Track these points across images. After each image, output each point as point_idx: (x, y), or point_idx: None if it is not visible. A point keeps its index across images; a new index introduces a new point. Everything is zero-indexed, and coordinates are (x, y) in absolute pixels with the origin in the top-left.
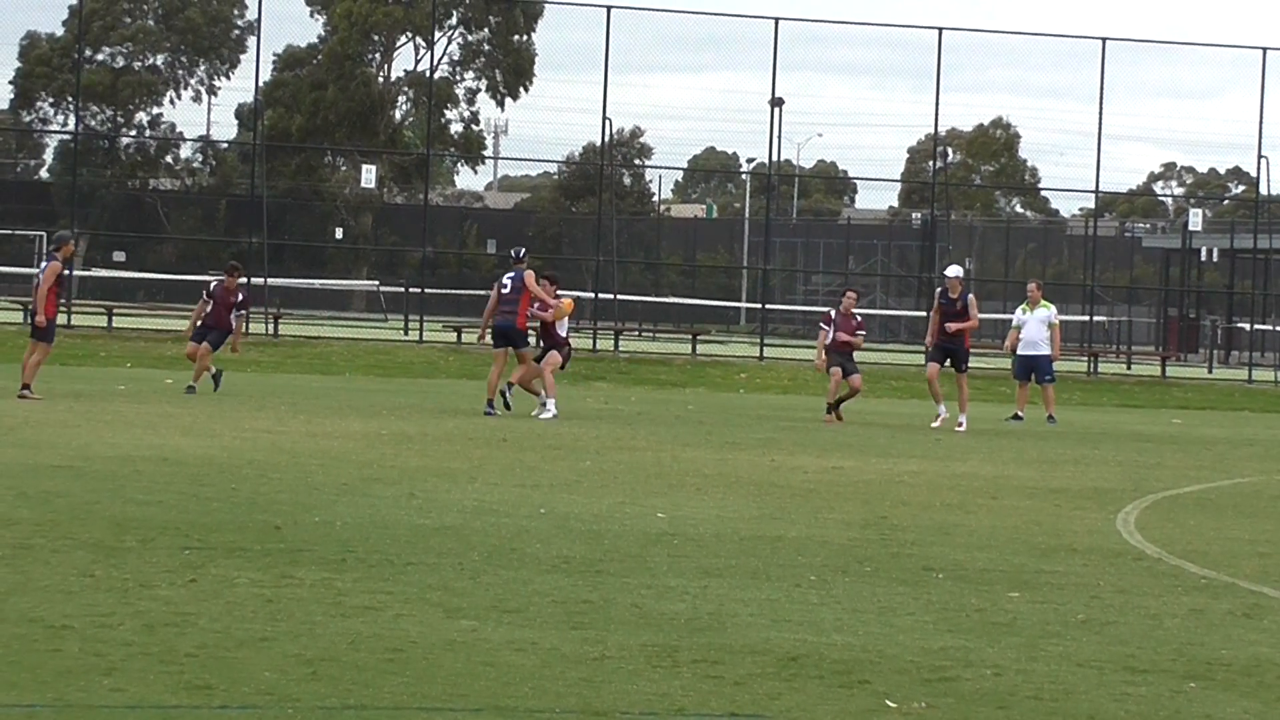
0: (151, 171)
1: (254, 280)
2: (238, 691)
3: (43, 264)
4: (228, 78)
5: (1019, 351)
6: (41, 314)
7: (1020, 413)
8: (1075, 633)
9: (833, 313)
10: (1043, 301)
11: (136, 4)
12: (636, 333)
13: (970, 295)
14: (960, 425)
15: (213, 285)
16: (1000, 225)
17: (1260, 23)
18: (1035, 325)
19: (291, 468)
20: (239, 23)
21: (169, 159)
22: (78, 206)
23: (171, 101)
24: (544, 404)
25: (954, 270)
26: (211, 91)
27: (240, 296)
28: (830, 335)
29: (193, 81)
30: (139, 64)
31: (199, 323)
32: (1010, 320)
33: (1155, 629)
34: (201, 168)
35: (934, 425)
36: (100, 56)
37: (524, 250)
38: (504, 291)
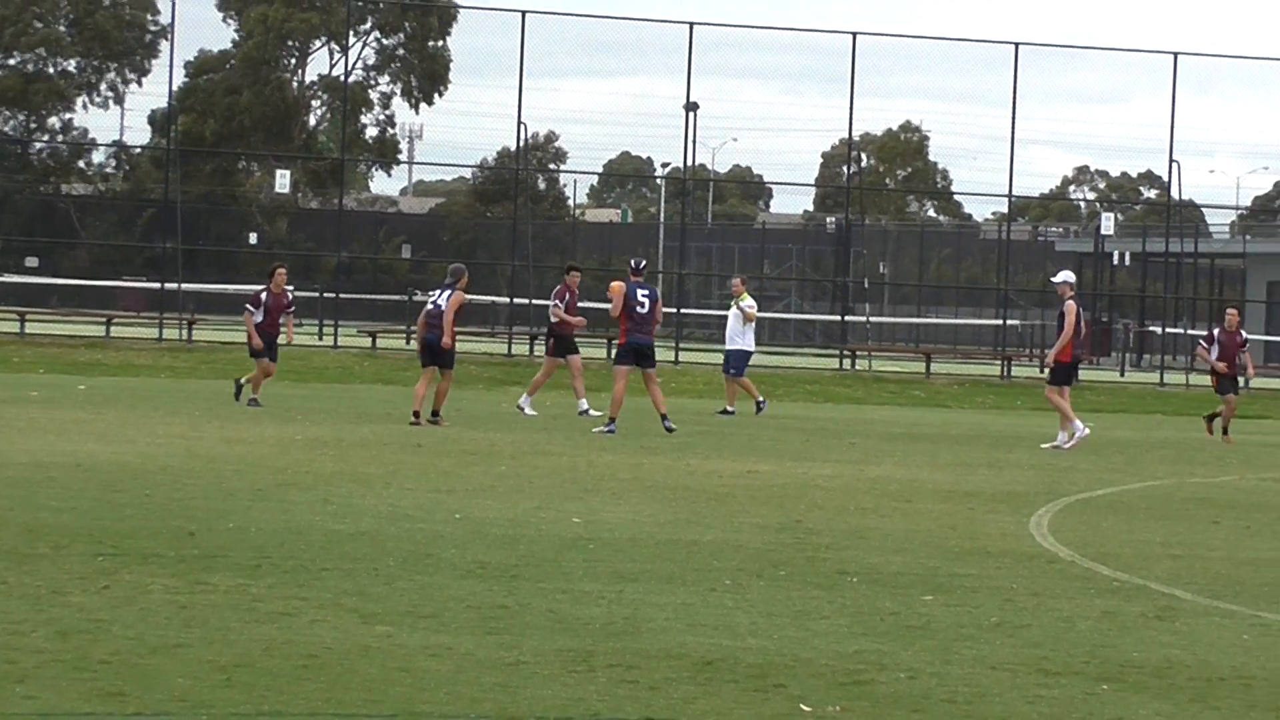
0: (64, 177)
1: (168, 285)
2: (151, 699)
3: None
4: (140, 84)
5: (727, 346)
6: None
7: (730, 407)
8: (989, 635)
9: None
10: (744, 294)
11: (47, 9)
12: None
13: (1068, 302)
14: (1058, 442)
15: (262, 295)
16: (914, 229)
17: (1170, 28)
18: (733, 319)
19: (206, 473)
20: (151, 28)
21: (82, 164)
22: None
23: (84, 106)
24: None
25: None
26: (119, 100)
27: (289, 297)
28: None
29: (104, 87)
30: (51, 69)
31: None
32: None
33: (1068, 631)
34: (115, 173)
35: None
36: (11, 61)
37: (644, 263)
38: (641, 310)
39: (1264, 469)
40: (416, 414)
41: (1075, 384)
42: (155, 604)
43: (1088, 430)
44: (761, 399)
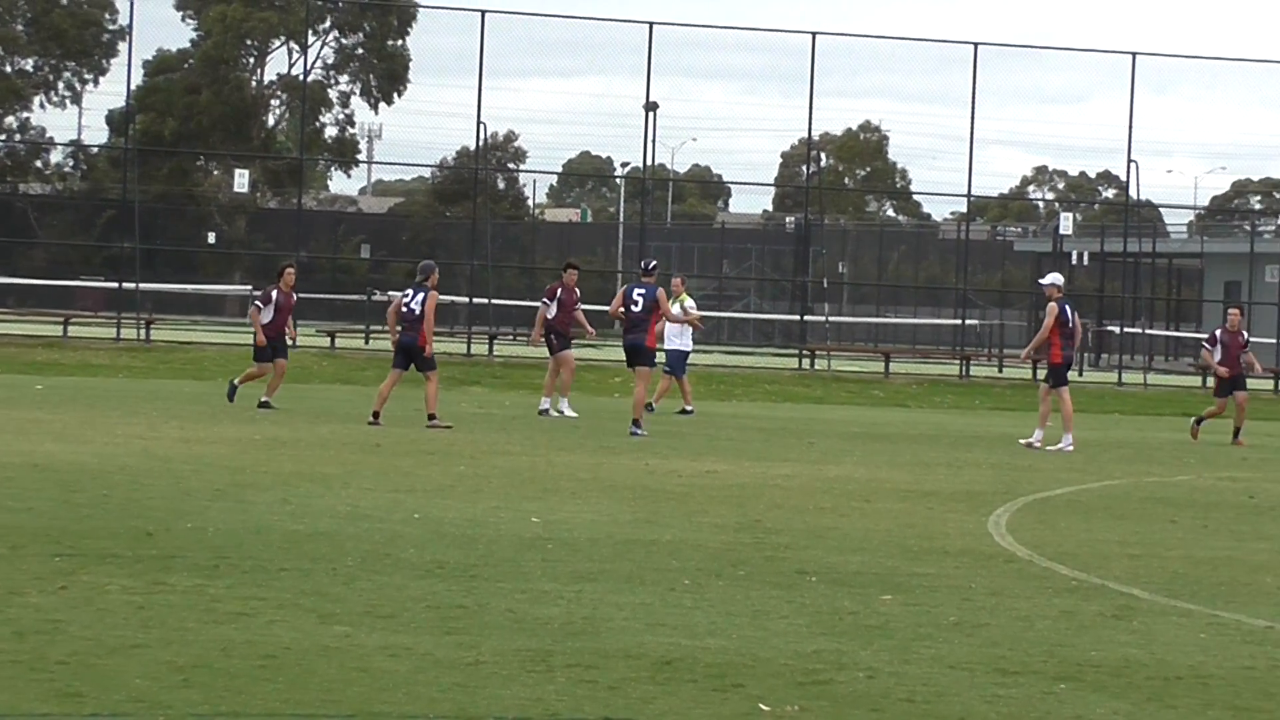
0: (21, 176)
1: (125, 285)
2: (109, 699)
3: None
4: (97, 83)
5: (665, 346)
6: None
7: (689, 406)
8: (947, 635)
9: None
10: (684, 294)
11: (4, 8)
12: (511, 337)
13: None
14: (1045, 444)
15: (273, 293)
16: (873, 229)
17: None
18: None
19: (164, 474)
20: (109, 27)
21: (39, 164)
22: None
23: (42, 106)
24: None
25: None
26: (77, 100)
27: (294, 297)
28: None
29: (61, 86)
30: (8, 68)
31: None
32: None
33: (1026, 631)
34: (73, 172)
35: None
36: None
37: (654, 263)
38: (634, 310)
39: (1221, 468)
40: (376, 414)
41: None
42: (113, 604)
43: (1072, 447)
44: (690, 407)
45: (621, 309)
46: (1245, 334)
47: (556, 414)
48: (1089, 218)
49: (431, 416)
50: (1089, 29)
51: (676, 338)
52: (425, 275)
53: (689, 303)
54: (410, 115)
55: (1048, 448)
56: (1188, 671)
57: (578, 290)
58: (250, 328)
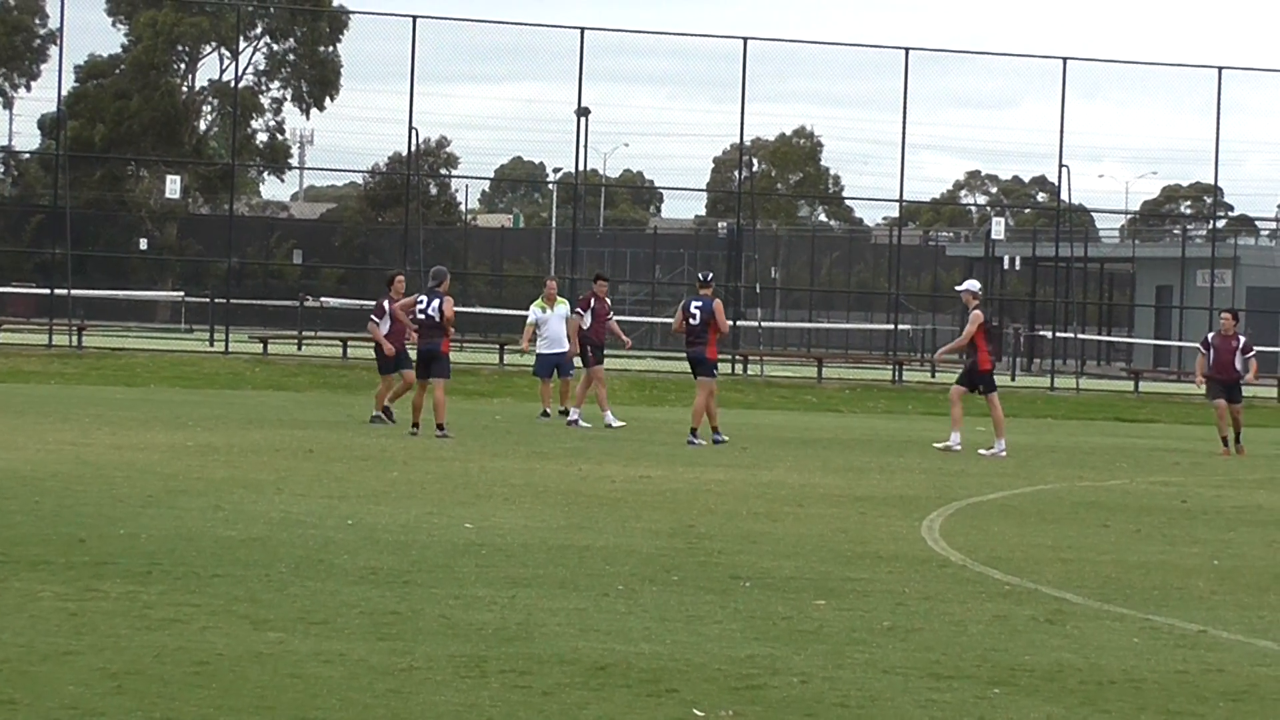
0: None
1: (57, 291)
2: (41, 706)
3: None
4: (28, 88)
5: (539, 350)
6: None
7: (548, 410)
8: (881, 640)
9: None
10: (559, 299)
11: None
12: None
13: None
14: (996, 450)
15: (384, 303)
16: (806, 234)
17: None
18: (557, 322)
19: (96, 480)
20: (40, 31)
21: None
22: None
23: None
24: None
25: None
26: (8, 105)
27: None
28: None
29: None
30: None
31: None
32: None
33: (960, 635)
34: (3, 178)
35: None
36: None
37: (710, 275)
38: (693, 322)
39: (1153, 472)
40: (416, 425)
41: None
42: (45, 611)
43: (959, 446)
44: (559, 409)
45: (690, 319)
46: (1243, 338)
47: (586, 425)
48: (1021, 222)
49: (440, 426)
50: (1020, 34)
51: (563, 342)
52: (439, 281)
53: (562, 308)
54: (342, 121)
55: (956, 449)
56: (1121, 675)
57: (608, 300)
58: (370, 341)
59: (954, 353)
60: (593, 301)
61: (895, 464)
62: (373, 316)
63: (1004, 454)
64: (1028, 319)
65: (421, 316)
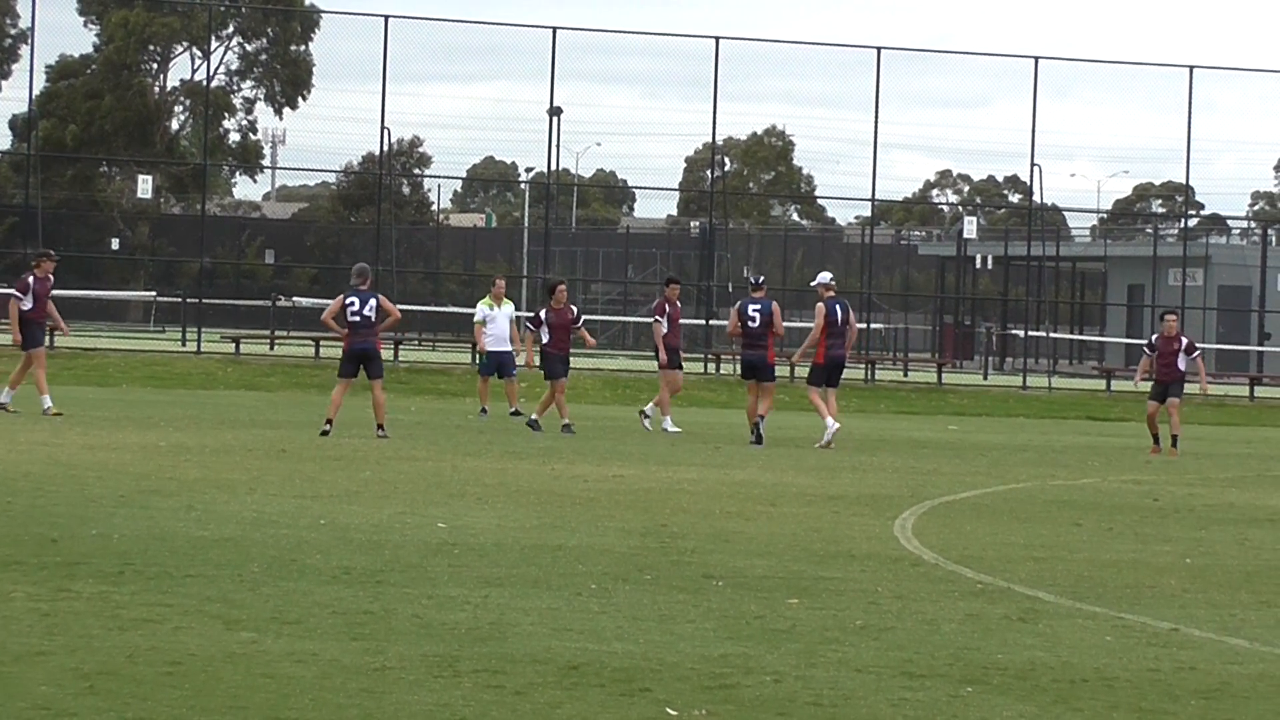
0: None
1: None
2: (13, 707)
3: None
4: None
5: (488, 349)
6: None
7: (486, 407)
8: (854, 638)
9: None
10: (505, 299)
11: None
12: (416, 342)
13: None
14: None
15: (543, 313)
16: (778, 233)
17: (1030, 32)
18: (503, 320)
19: (68, 480)
20: (11, 31)
21: None
22: None
23: None
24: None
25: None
26: None
27: (573, 311)
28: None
29: None
30: None
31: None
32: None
33: (932, 634)
34: None
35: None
36: None
37: (762, 278)
38: (752, 325)
39: (1125, 471)
40: (330, 422)
41: (837, 385)
42: (17, 611)
43: (837, 425)
44: (517, 408)
45: (740, 326)
46: (1185, 339)
47: (677, 430)
48: (993, 221)
49: (380, 427)
50: (991, 33)
51: (504, 342)
52: (364, 279)
53: (508, 307)
54: (314, 121)
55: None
56: (1093, 674)
57: (679, 304)
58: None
59: (812, 345)
60: (668, 307)
61: (867, 463)
62: (529, 326)
63: (830, 443)
64: (1000, 318)
65: (356, 318)
